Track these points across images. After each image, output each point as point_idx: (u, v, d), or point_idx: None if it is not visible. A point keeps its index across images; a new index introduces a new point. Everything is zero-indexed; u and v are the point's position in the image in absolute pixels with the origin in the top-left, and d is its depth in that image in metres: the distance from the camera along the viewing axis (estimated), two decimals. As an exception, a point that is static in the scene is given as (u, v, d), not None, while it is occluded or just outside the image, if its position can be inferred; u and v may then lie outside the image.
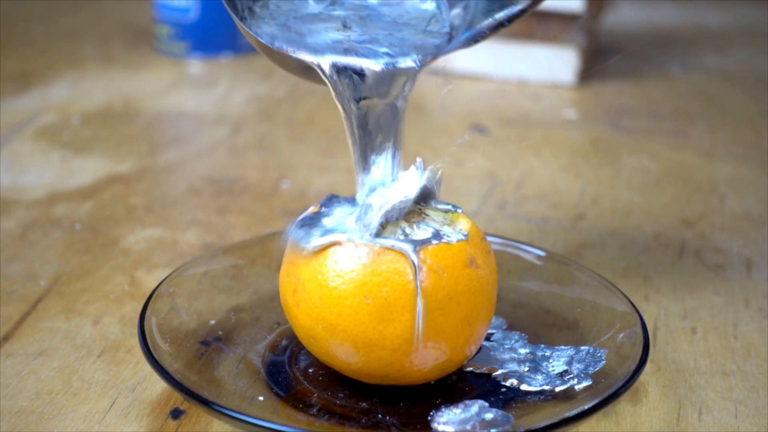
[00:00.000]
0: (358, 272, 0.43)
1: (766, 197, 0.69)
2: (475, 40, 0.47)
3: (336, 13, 0.49)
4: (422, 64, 0.45)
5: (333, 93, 0.45)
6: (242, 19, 0.47)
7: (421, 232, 0.44)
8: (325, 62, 0.45)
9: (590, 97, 0.89)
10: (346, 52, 0.45)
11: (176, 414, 0.45)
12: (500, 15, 0.47)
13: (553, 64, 0.89)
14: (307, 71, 0.46)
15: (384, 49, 0.45)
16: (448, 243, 0.44)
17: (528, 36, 0.89)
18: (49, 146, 0.74)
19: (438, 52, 0.46)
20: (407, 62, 0.45)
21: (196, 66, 0.94)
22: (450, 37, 0.48)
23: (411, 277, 0.42)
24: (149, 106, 0.84)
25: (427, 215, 0.46)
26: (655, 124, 0.83)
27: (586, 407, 0.42)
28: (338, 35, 0.47)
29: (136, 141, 0.77)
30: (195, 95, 0.87)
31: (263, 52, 0.47)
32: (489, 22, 0.47)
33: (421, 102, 0.86)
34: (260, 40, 0.45)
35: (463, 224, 0.46)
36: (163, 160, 0.74)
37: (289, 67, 0.47)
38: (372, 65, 0.44)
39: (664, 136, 0.81)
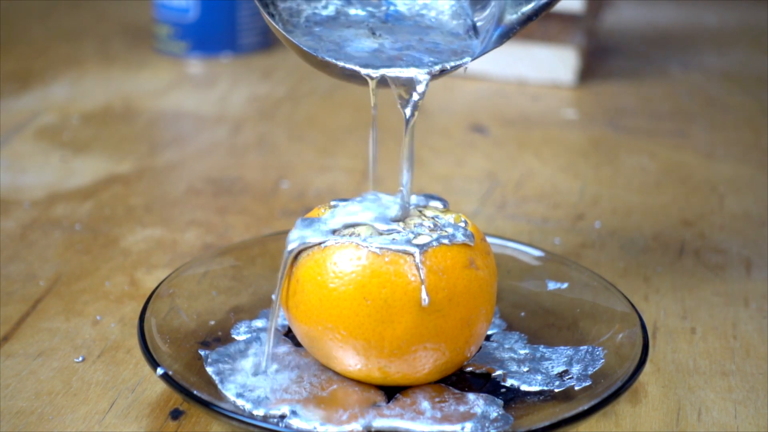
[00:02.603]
0: (357, 274, 0.43)
1: (765, 197, 0.69)
2: (506, 36, 0.47)
3: (353, 13, 0.49)
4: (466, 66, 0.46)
5: (397, 98, 0.46)
6: (271, 15, 0.47)
7: (422, 234, 0.44)
8: (388, 74, 0.45)
9: (590, 97, 0.89)
10: (392, 61, 0.45)
11: (176, 414, 0.45)
12: (528, 9, 0.47)
13: (553, 64, 0.89)
14: (349, 76, 0.46)
15: (428, 58, 0.46)
16: (447, 244, 0.44)
17: (528, 36, 0.89)
18: (48, 146, 0.74)
19: (474, 53, 0.47)
20: (455, 65, 0.46)
21: (195, 66, 0.94)
22: (476, 36, 0.48)
23: (411, 278, 0.43)
24: (149, 105, 0.84)
25: (428, 216, 0.46)
26: (655, 124, 0.83)
27: (585, 408, 0.42)
28: (372, 43, 0.47)
29: (136, 141, 0.77)
30: (195, 95, 0.87)
31: (301, 55, 0.46)
32: (518, 16, 0.47)
33: (420, 102, 0.86)
34: (308, 50, 0.45)
35: (463, 225, 0.46)
36: (162, 160, 0.74)
37: (332, 73, 0.47)
38: (424, 73, 0.45)
39: (663, 136, 0.81)
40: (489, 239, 0.49)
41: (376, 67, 0.45)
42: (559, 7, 0.87)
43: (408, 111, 0.45)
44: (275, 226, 0.63)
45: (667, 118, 0.85)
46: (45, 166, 0.71)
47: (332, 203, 0.47)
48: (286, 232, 0.46)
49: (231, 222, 0.63)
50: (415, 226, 0.45)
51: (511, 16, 0.47)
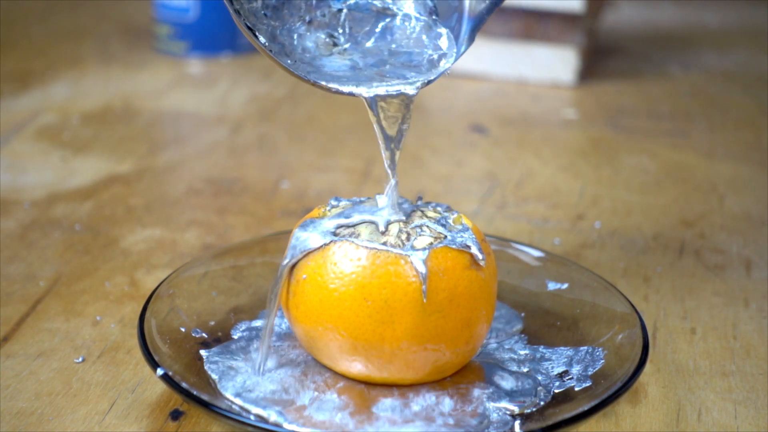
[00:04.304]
0: (357, 274, 0.43)
1: (765, 197, 0.69)
2: (477, 28, 0.47)
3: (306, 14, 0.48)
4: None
5: (373, 115, 0.45)
6: (237, 13, 0.46)
7: (423, 235, 0.44)
8: (370, 93, 0.45)
9: (590, 97, 0.89)
10: (379, 79, 0.45)
11: (176, 415, 0.45)
12: None
13: (553, 64, 0.89)
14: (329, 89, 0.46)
15: (409, 73, 0.46)
16: (448, 245, 0.44)
17: (528, 36, 0.89)
18: (48, 146, 0.74)
19: (450, 58, 0.47)
20: (438, 76, 0.46)
21: (195, 66, 0.94)
22: (439, 19, 0.48)
23: (412, 279, 0.43)
24: (149, 105, 0.84)
25: (429, 217, 0.46)
26: (655, 124, 0.83)
27: (585, 408, 0.42)
28: (343, 59, 0.46)
29: (136, 141, 0.77)
30: (195, 95, 0.87)
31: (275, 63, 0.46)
32: (486, 5, 0.47)
33: (420, 102, 0.86)
34: (286, 66, 0.45)
35: (464, 226, 0.46)
36: (162, 160, 0.74)
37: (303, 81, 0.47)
38: (410, 89, 0.45)
39: (664, 136, 0.81)
40: (489, 239, 0.49)
41: (368, 86, 0.45)
42: (559, 7, 0.87)
43: (393, 146, 0.45)
44: (275, 226, 0.63)
45: (667, 118, 0.85)
46: (45, 166, 0.71)
47: (332, 202, 0.47)
48: (286, 232, 0.46)
49: (231, 222, 0.63)
50: (416, 228, 0.45)
51: (479, 5, 0.47)
